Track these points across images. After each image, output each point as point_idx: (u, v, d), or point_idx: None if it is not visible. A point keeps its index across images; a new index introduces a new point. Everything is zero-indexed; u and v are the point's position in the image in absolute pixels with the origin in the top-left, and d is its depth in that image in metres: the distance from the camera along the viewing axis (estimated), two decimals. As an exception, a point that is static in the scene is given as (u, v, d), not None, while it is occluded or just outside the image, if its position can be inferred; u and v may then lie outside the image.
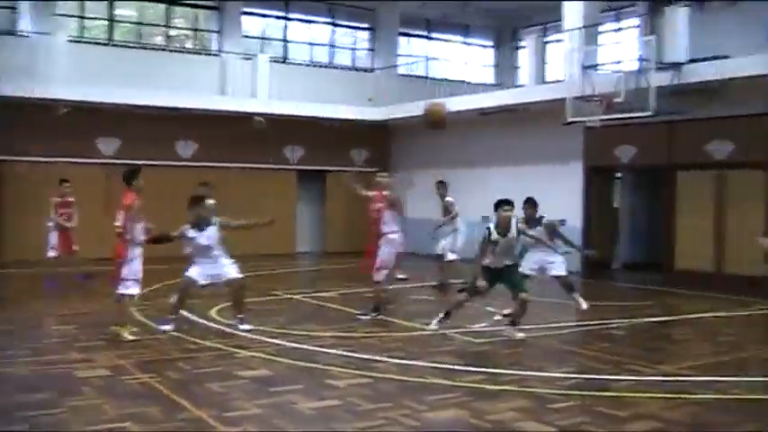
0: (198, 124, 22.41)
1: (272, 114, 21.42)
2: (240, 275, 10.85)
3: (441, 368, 8.64)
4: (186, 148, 22.74)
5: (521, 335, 10.46)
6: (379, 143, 25.98)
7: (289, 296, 14.59)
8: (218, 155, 22.76)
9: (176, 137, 22.51)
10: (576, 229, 19.27)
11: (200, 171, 21.97)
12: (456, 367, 8.71)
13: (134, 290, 10.07)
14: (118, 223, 10.19)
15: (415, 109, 23.09)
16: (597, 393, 7.64)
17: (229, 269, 10.77)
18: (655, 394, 7.64)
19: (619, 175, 21.29)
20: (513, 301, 10.57)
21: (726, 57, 16.00)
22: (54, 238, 15.32)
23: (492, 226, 10.21)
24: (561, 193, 18.94)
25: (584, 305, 12.56)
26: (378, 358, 9.09)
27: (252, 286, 15.76)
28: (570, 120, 17.27)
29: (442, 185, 15.92)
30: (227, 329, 10.81)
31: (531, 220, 11.88)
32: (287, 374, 8.36)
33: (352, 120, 24.36)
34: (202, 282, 10.67)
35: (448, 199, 15.69)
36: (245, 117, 19.97)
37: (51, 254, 15.33)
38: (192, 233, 10.58)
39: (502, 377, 8.28)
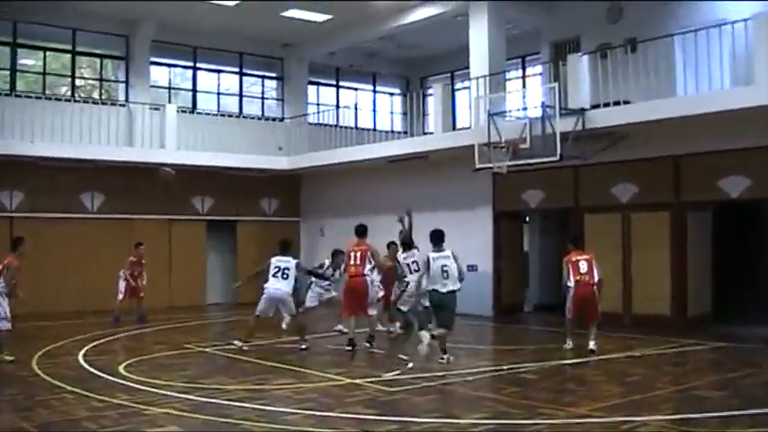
0: (105, 175, 21.95)
1: (180, 165, 21.18)
2: None
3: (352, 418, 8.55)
4: (93, 200, 22.24)
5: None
6: (289, 192, 25.93)
7: (200, 349, 14.30)
8: (126, 206, 22.33)
9: (82, 189, 22.00)
10: (488, 274, 19.48)
11: (106, 223, 21.68)
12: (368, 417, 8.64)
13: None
14: None
15: (325, 157, 23.19)
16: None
17: None
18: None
19: (527, 219, 21.65)
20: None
21: (627, 102, 16.44)
22: None
23: None
24: (472, 238, 19.13)
25: None
26: (289, 410, 8.95)
27: (165, 339, 15.54)
28: (479, 166, 17.46)
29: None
30: (135, 385, 10.53)
31: None
32: (198, 430, 8.16)
33: (262, 169, 24.30)
34: None
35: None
36: (154, 167, 19.68)
37: None
38: None
39: (413, 426, 8.21)
